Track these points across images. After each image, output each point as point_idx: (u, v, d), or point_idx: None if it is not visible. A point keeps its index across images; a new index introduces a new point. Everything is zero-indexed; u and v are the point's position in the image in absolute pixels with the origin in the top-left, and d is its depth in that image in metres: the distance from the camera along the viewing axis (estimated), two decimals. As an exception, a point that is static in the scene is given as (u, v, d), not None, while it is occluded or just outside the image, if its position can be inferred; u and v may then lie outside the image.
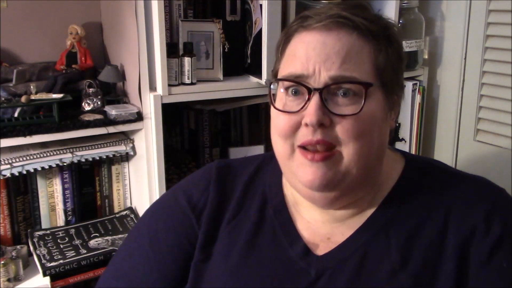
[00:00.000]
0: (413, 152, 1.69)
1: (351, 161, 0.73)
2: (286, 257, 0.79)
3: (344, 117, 0.72)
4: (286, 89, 0.75)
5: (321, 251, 0.79)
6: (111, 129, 1.31)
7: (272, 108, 0.78)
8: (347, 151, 0.73)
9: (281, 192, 0.86)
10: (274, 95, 0.78)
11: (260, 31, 1.34)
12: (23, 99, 1.25)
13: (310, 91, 0.72)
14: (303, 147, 0.74)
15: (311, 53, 0.73)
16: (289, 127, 0.74)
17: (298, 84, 0.74)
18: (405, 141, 1.69)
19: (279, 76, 0.78)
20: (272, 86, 0.78)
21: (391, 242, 0.76)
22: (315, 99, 0.71)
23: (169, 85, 1.27)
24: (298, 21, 0.77)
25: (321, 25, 0.74)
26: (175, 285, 0.84)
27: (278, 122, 0.76)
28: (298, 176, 0.75)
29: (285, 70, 0.77)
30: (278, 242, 0.81)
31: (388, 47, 0.77)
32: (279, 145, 0.77)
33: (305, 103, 0.73)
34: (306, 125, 0.72)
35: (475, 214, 0.75)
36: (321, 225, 0.81)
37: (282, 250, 0.80)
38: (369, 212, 0.80)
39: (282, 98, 0.76)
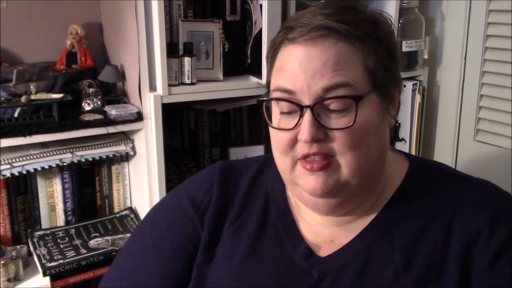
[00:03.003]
0: (413, 152, 1.69)
1: (350, 170, 0.73)
2: (289, 258, 0.79)
3: (338, 130, 0.72)
4: (280, 109, 0.76)
5: (324, 252, 0.79)
6: (111, 129, 1.31)
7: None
8: (345, 161, 0.73)
9: (283, 194, 0.86)
10: (269, 110, 0.78)
11: (260, 31, 1.34)
12: (23, 99, 1.25)
13: (301, 108, 0.72)
14: (303, 158, 0.74)
15: (297, 69, 0.72)
16: (287, 143, 0.74)
17: (289, 103, 0.74)
18: (405, 141, 1.69)
19: (271, 89, 0.78)
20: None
21: (394, 245, 0.76)
22: (307, 115, 0.71)
23: (169, 85, 1.27)
24: (283, 32, 0.76)
25: (305, 39, 0.73)
26: (179, 285, 0.84)
27: (277, 139, 0.76)
28: (301, 185, 0.75)
29: (274, 83, 0.77)
30: (281, 244, 0.81)
31: (377, 48, 0.75)
32: (280, 160, 0.77)
33: (299, 120, 0.73)
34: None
35: (480, 218, 0.74)
36: (324, 228, 0.81)
37: (285, 251, 0.80)
38: (373, 214, 0.80)
39: (277, 115, 0.77)
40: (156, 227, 0.88)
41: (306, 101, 0.72)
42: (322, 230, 0.81)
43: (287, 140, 0.74)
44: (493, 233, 0.73)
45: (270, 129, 0.78)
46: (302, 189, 0.76)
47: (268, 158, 0.92)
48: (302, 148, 0.73)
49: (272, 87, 0.77)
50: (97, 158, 1.37)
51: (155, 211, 0.93)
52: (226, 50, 1.38)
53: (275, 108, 0.77)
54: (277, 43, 0.77)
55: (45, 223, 1.38)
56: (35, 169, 1.30)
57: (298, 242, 0.80)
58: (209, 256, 0.83)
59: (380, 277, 0.74)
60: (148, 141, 1.31)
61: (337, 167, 0.73)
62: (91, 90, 1.38)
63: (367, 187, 0.78)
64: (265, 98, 0.78)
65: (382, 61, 0.76)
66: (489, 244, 0.72)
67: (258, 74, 1.36)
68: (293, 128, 0.73)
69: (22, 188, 1.34)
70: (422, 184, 0.81)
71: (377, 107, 0.75)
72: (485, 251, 0.72)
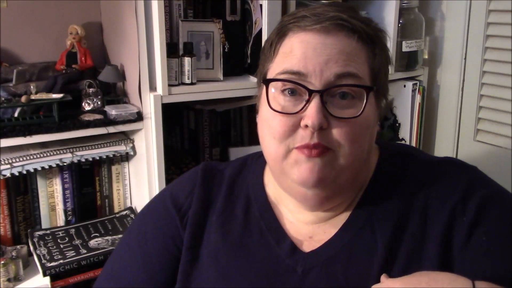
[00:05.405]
0: (413, 152, 1.69)
1: (346, 162, 0.73)
2: (274, 255, 0.80)
3: (342, 120, 0.72)
4: (283, 89, 0.74)
5: (307, 248, 0.79)
6: (111, 129, 1.31)
7: (265, 109, 0.76)
8: (343, 152, 0.73)
9: (264, 192, 0.86)
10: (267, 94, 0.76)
11: (260, 31, 1.34)
12: (23, 99, 1.25)
13: (310, 92, 0.71)
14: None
15: (310, 53, 0.72)
16: (287, 129, 0.73)
17: (297, 85, 0.72)
18: (405, 141, 1.69)
19: (272, 75, 0.77)
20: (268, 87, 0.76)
21: (376, 237, 0.76)
22: (315, 101, 0.71)
23: (169, 85, 1.27)
24: (293, 20, 0.75)
25: (321, 26, 0.73)
26: (163, 286, 0.85)
27: (274, 124, 0.74)
28: (292, 175, 0.74)
29: (279, 67, 0.75)
30: (265, 241, 0.81)
31: (381, 52, 0.77)
32: (273, 147, 0.75)
33: (305, 104, 0.72)
34: (306, 126, 0.71)
35: (452, 197, 0.76)
36: (303, 226, 0.82)
37: (269, 249, 0.80)
38: (351, 208, 0.81)
39: (276, 98, 0.75)
40: (142, 228, 0.89)
41: (316, 85, 0.71)
42: (302, 227, 0.82)
43: (287, 126, 0.73)
44: (465, 209, 0.74)
45: (266, 114, 0.76)
46: (292, 179, 0.75)
47: (248, 159, 0.93)
48: (303, 138, 0.72)
49: (277, 70, 0.75)
50: (97, 158, 1.37)
51: (143, 212, 0.94)
52: (226, 50, 1.38)
53: (273, 93, 0.75)
54: (285, 29, 0.76)
55: (45, 223, 1.38)
56: (35, 169, 1.30)
57: (281, 239, 0.81)
58: (193, 257, 0.83)
59: (365, 270, 0.75)
60: (148, 141, 1.31)
61: (334, 157, 0.73)
62: (91, 90, 1.39)
63: (353, 183, 0.79)
64: (273, 78, 0.75)
65: (384, 65, 0.78)
66: (462, 220, 0.74)
67: (258, 74, 1.36)
68: (296, 113, 0.72)
69: (22, 188, 1.34)
70: (393, 172, 0.82)
71: (374, 108, 0.77)
72: (461, 229, 0.74)
